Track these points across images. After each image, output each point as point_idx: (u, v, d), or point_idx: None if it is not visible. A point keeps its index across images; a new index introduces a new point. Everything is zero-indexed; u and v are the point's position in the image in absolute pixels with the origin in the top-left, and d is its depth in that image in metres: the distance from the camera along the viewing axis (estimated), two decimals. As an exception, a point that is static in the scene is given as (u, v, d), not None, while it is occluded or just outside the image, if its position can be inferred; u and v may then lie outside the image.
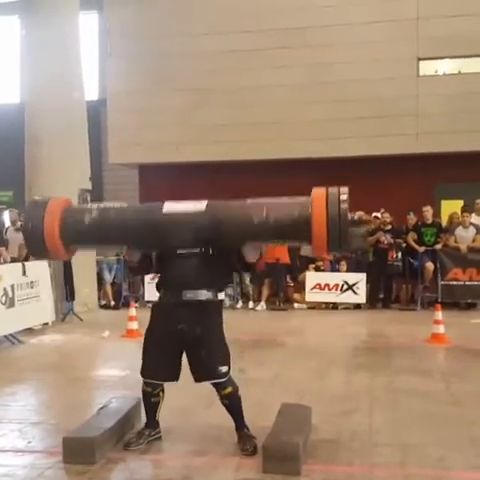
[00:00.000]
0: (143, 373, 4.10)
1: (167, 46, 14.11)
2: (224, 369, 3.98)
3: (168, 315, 4.00)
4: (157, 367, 4.04)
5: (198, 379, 4.04)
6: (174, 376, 4.07)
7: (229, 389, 4.02)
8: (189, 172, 13.98)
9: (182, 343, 3.99)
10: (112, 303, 11.00)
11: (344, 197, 3.87)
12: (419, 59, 13.76)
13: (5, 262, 8.97)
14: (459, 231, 10.82)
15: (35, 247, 4.21)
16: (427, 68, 14.02)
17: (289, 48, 13.78)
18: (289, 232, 3.99)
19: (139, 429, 4.21)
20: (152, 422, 4.20)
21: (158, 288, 4.17)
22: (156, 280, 4.27)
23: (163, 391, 4.15)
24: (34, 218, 4.11)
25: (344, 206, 3.84)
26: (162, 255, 4.07)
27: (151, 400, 4.15)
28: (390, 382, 5.80)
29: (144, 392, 4.14)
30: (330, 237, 3.81)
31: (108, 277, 11.17)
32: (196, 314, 3.95)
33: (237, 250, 3.98)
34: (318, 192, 3.92)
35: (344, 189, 3.92)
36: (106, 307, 10.97)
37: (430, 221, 10.99)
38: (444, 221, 11.86)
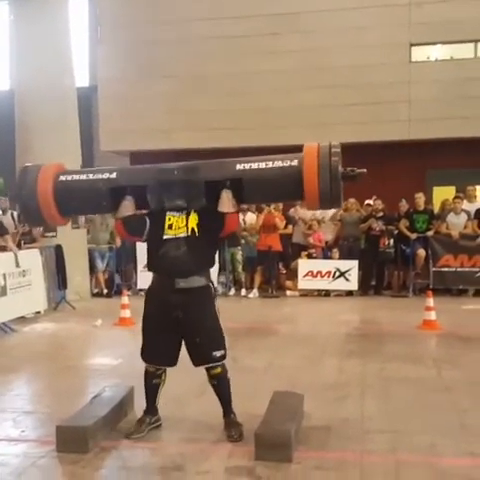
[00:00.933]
0: (143, 357, 4.16)
1: (157, 33, 14.02)
2: (219, 353, 4.05)
3: (162, 302, 4.04)
4: (157, 352, 4.10)
5: (195, 363, 4.10)
6: (172, 362, 4.12)
7: (218, 370, 4.08)
8: (180, 159, 13.89)
9: (178, 329, 4.04)
10: (104, 291, 10.98)
11: (335, 150, 3.90)
12: (411, 45, 13.74)
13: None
14: (451, 218, 10.85)
15: (30, 214, 4.22)
16: (419, 54, 14.00)
17: (280, 34, 13.72)
18: (279, 185, 4.01)
19: (139, 417, 4.22)
20: (152, 408, 4.22)
21: (149, 270, 4.20)
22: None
23: (165, 373, 4.18)
24: (27, 185, 4.11)
25: (335, 158, 3.87)
26: (150, 238, 4.10)
27: (153, 381, 4.17)
28: (382, 369, 5.83)
29: (147, 372, 4.17)
30: (321, 190, 3.84)
31: (100, 265, 11.14)
32: (189, 301, 3.99)
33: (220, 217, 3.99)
34: (310, 146, 3.98)
35: (336, 143, 3.96)
36: (98, 295, 10.95)
37: (422, 208, 11.01)
38: (436, 208, 11.88)
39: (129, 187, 4.08)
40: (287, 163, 3.95)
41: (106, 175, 4.13)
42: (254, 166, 3.98)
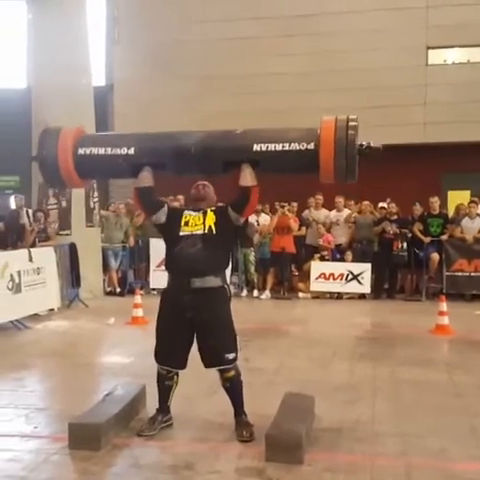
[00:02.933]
0: (157, 358, 4.17)
1: (173, 34, 14.08)
2: (231, 356, 4.05)
3: (177, 303, 4.05)
4: (169, 354, 4.12)
5: (207, 365, 4.11)
6: (182, 364, 4.14)
7: (232, 373, 4.09)
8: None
9: (192, 330, 4.06)
10: (117, 290, 11.04)
11: (353, 124, 3.91)
12: (428, 48, 13.68)
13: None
14: (465, 222, 10.78)
15: (50, 175, 4.28)
16: (436, 57, 13.94)
17: (295, 36, 13.73)
18: (295, 165, 4.04)
19: (151, 415, 4.25)
20: (164, 407, 4.24)
21: (166, 269, 4.23)
22: (162, 267, 4.33)
23: (178, 375, 4.20)
24: (48, 146, 4.19)
25: (352, 132, 3.88)
26: (167, 236, 4.14)
27: (165, 383, 4.20)
28: (393, 372, 5.82)
29: (159, 374, 4.20)
30: (337, 164, 3.85)
31: (114, 264, 11.20)
32: (204, 301, 4.01)
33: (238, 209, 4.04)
34: (327, 119, 3.99)
35: (353, 117, 3.97)
36: (111, 294, 11.01)
37: (437, 212, 10.95)
38: (451, 212, 11.82)
39: (148, 162, 4.14)
40: (304, 146, 3.94)
41: (124, 150, 4.14)
42: (271, 148, 3.98)
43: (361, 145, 3.94)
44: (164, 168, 4.17)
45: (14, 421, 4.47)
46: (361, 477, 3.54)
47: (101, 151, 4.19)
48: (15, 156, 15.28)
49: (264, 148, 3.99)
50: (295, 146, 3.96)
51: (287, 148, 3.97)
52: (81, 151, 4.19)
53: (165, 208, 4.20)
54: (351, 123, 3.91)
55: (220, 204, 4.27)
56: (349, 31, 13.52)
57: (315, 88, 13.51)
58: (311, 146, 3.93)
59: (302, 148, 3.95)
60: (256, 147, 4.00)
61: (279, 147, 3.97)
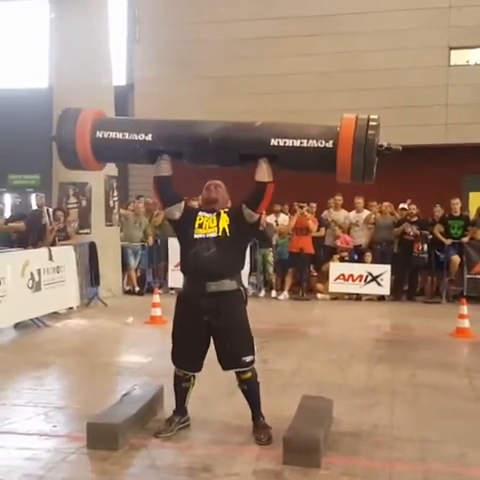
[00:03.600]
0: (174, 361, 4.18)
1: (194, 34, 14.09)
2: (248, 359, 4.04)
3: (193, 307, 4.04)
4: (186, 357, 4.12)
5: (224, 367, 4.11)
6: (199, 367, 4.15)
7: (249, 374, 4.08)
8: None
9: (208, 334, 4.06)
10: (136, 289, 11.08)
11: (373, 124, 3.85)
12: (450, 48, 13.54)
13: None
14: (487, 224, 10.67)
15: (67, 156, 4.27)
16: (458, 57, 13.80)
17: (316, 35, 13.68)
18: (313, 163, 4.00)
19: (169, 416, 4.25)
20: (181, 408, 4.25)
21: (181, 271, 4.22)
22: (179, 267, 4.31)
23: (194, 377, 4.21)
24: (67, 127, 4.20)
25: (372, 132, 3.82)
26: (182, 237, 4.14)
27: (182, 385, 4.20)
28: (412, 376, 5.77)
29: (176, 376, 4.20)
30: (354, 163, 3.79)
31: (133, 263, 11.24)
32: (220, 305, 4.00)
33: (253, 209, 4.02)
34: (348, 117, 3.94)
35: (375, 116, 3.91)
36: (130, 293, 11.05)
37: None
38: (472, 214, 11.68)
39: (165, 149, 4.14)
40: (322, 144, 3.89)
41: (142, 136, 4.13)
42: (289, 143, 3.93)
43: (380, 146, 3.88)
44: (181, 157, 4.15)
45: (33, 419, 4.50)
46: (379, 482, 3.51)
47: (119, 135, 4.17)
48: (36, 155, 15.42)
49: (282, 143, 3.95)
50: (313, 143, 3.91)
51: (305, 145, 3.92)
52: (99, 134, 4.18)
53: (182, 204, 4.18)
54: (371, 123, 3.86)
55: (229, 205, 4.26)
56: (370, 31, 13.44)
57: (335, 88, 13.44)
58: (329, 144, 3.88)
59: (320, 145, 3.90)
60: (274, 141, 3.97)
61: (297, 143, 3.93)
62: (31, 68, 18.73)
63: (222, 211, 4.12)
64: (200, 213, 4.15)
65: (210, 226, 4.06)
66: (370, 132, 3.82)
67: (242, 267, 4.23)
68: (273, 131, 4.04)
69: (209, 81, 13.86)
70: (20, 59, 18.70)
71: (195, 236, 4.05)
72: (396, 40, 13.30)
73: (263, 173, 3.99)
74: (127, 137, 4.15)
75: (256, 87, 13.79)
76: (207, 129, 4.11)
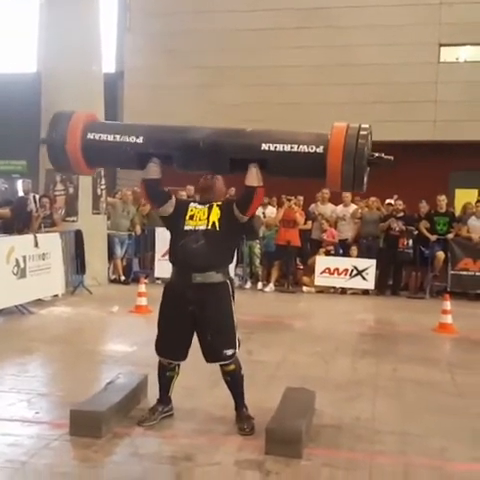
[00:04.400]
0: (157, 350, 4.18)
1: (185, 23, 14.03)
2: (229, 352, 4.04)
3: (179, 297, 4.05)
4: (170, 346, 4.13)
5: (207, 360, 4.12)
6: (183, 356, 4.15)
7: (232, 366, 4.09)
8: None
9: (193, 324, 4.07)
10: (122, 278, 11.05)
11: (364, 133, 3.86)
12: (441, 45, 13.60)
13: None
14: (472, 221, 10.76)
15: (58, 159, 4.26)
16: (448, 54, 13.86)
17: (308, 28, 13.68)
18: (303, 168, 4.01)
19: (152, 405, 4.26)
20: (165, 397, 4.25)
21: (170, 261, 4.22)
22: (167, 256, 4.31)
23: (179, 366, 4.22)
24: (58, 128, 4.18)
25: (362, 141, 3.82)
26: (172, 228, 4.14)
27: (166, 374, 4.21)
28: (395, 370, 5.82)
29: (160, 365, 4.21)
30: (344, 171, 3.80)
31: (119, 252, 11.20)
32: (205, 297, 4.01)
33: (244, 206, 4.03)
34: (338, 125, 3.94)
35: (366, 126, 3.91)
36: (116, 282, 11.02)
37: (444, 210, 10.93)
38: (458, 210, 11.78)
39: (155, 153, 4.13)
40: (312, 149, 3.90)
41: (133, 139, 4.13)
42: (279, 148, 3.95)
43: (371, 155, 3.89)
44: (171, 161, 4.14)
45: (16, 406, 4.49)
46: (360, 474, 3.54)
47: (110, 137, 4.17)
48: (23, 141, 15.29)
49: (272, 148, 3.96)
50: (304, 148, 3.92)
51: (295, 149, 3.93)
52: (90, 136, 4.18)
53: (173, 200, 4.18)
54: (362, 132, 3.86)
55: (229, 196, 4.26)
56: (363, 25, 13.46)
57: (327, 82, 13.47)
58: (320, 150, 3.89)
59: (311, 151, 3.90)
60: (264, 146, 3.98)
61: (287, 148, 3.94)
62: (19, 53, 18.56)
63: (215, 204, 4.11)
64: (191, 204, 4.16)
65: (201, 218, 4.06)
66: (360, 141, 3.82)
67: (231, 261, 4.24)
68: (264, 136, 4.06)
69: (200, 71, 13.82)
70: (8, 44, 18.51)
71: (185, 228, 4.05)
72: (389, 35, 13.35)
73: (253, 177, 3.99)
74: (118, 139, 4.16)
75: (248, 79, 13.77)
76: (198, 134, 4.12)
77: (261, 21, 13.70)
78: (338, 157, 3.80)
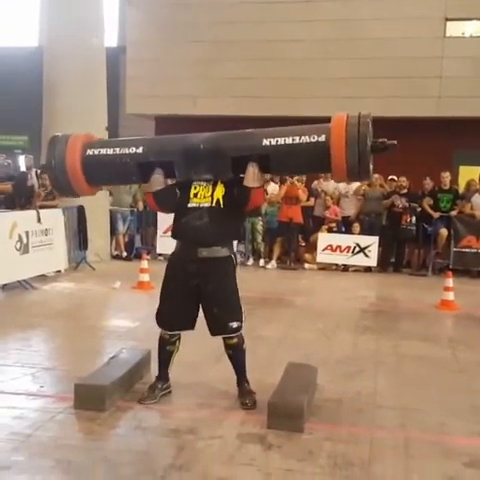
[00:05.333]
0: (158, 321, 4.20)
1: (188, -4, 13.85)
2: (235, 325, 4.07)
3: (183, 270, 4.07)
4: (173, 317, 4.14)
5: (212, 333, 4.14)
6: (190, 325, 4.16)
7: (235, 340, 4.12)
8: (205, 125, 13.86)
9: (197, 297, 4.09)
10: (124, 254, 11.08)
11: (365, 120, 3.85)
12: (447, 19, 13.41)
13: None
14: (476, 198, 10.71)
15: (60, 185, 4.28)
16: (454, 29, 13.68)
17: (313, 2, 13.49)
18: (307, 160, 3.98)
19: (151, 383, 4.28)
20: (164, 373, 4.28)
21: (173, 237, 4.23)
22: (170, 233, 4.32)
23: (179, 340, 4.23)
24: (57, 154, 4.18)
25: (364, 129, 3.81)
26: (176, 207, 4.13)
27: (166, 348, 4.22)
28: (396, 346, 5.86)
29: (161, 338, 4.22)
30: (349, 162, 3.78)
31: (121, 228, 11.21)
32: (210, 270, 4.02)
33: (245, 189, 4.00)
34: (338, 117, 3.92)
35: (366, 113, 3.90)
36: (118, 258, 11.05)
37: (447, 187, 10.88)
38: (462, 187, 11.73)
39: (156, 161, 4.11)
40: (314, 138, 3.89)
41: (133, 149, 4.14)
42: (281, 141, 3.93)
43: (374, 141, 3.87)
44: (172, 169, 4.12)
45: (20, 380, 4.54)
46: (360, 448, 3.58)
47: (109, 151, 4.18)
48: (25, 115, 15.25)
49: (274, 142, 3.94)
50: (305, 139, 3.89)
51: (297, 141, 3.90)
52: (89, 152, 4.18)
53: (178, 194, 4.15)
54: (363, 119, 3.84)
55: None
56: (367, -1, 13.29)
57: (331, 56, 13.31)
58: (322, 138, 3.86)
59: (312, 140, 3.88)
60: (265, 141, 3.97)
61: (289, 140, 3.92)
62: (21, 27, 18.39)
63: (219, 181, 4.10)
64: (194, 182, 4.12)
65: (205, 196, 4.05)
66: (362, 128, 3.80)
67: (236, 236, 4.27)
68: (264, 133, 4.04)
69: (203, 45, 13.67)
70: (10, 17, 18.34)
71: (189, 205, 4.05)
72: (393, 9, 13.16)
73: (250, 178, 3.97)
74: (118, 151, 4.16)
75: (252, 53, 13.62)
76: (198, 138, 4.12)
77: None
78: (341, 145, 3.77)
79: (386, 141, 3.91)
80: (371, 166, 3.93)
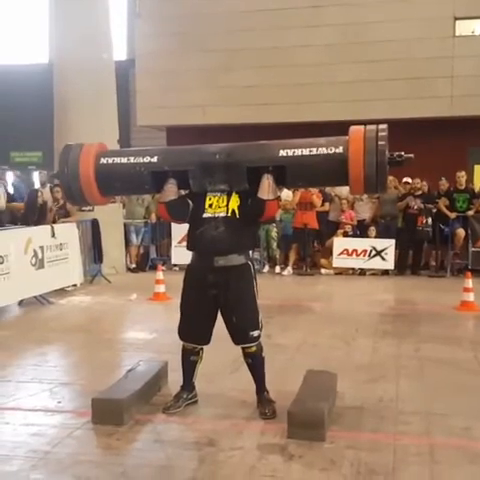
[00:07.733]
0: (180, 335, 4.18)
1: (195, 7, 13.88)
2: (256, 333, 4.05)
3: (201, 281, 4.05)
4: (193, 330, 4.12)
5: (234, 342, 4.11)
6: (206, 340, 4.15)
7: (254, 348, 4.08)
8: (216, 135, 13.88)
9: (216, 307, 4.07)
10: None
11: (383, 134, 3.80)
12: (456, 18, 13.31)
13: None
14: (492, 197, 10.59)
15: (72, 194, 4.25)
16: (464, 28, 13.57)
17: (321, 7, 13.46)
18: (324, 172, 3.94)
19: (176, 392, 4.25)
20: (189, 384, 4.25)
21: (188, 249, 4.19)
22: (184, 243, 4.29)
23: (203, 350, 4.21)
24: (69, 166, 4.15)
25: (382, 143, 3.77)
26: (190, 217, 4.10)
27: (190, 358, 4.20)
28: (417, 350, 5.77)
29: (184, 350, 4.20)
30: (367, 175, 3.75)
31: (135, 240, 11.22)
32: (228, 279, 3.99)
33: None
34: (356, 129, 3.88)
35: (383, 126, 3.85)
36: (133, 270, 11.05)
37: (463, 187, 10.76)
38: (477, 186, 11.60)
39: (171, 171, 4.08)
40: (332, 150, 3.84)
41: (147, 158, 4.11)
42: (297, 152, 3.89)
43: (391, 154, 3.83)
44: (186, 179, 4.07)
45: (38, 396, 4.52)
46: (384, 456, 3.51)
47: (123, 160, 4.16)
48: (38, 131, 15.36)
49: (291, 153, 3.90)
50: (323, 150, 3.86)
51: (315, 152, 3.87)
52: (103, 160, 4.15)
53: (191, 205, 4.10)
54: (381, 133, 3.80)
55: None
56: (376, 1, 13.21)
57: (341, 60, 13.25)
58: (339, 150, 3.82)
59: (330, 152, 3.84)
60: (282, 152, 3.93)
61: (306, 152, 3.88)
62: (32, 44, 18.57)
63: (234, 192, 4.06)
64: (209, 193, 4.08)
65: (220, 206, 4.02)
66: (380, 142, 3.76)
67: (252, 245, 4.24)
68: (281, 144, 4.01)
69: (213, 54, 13.68)
70: (20, 34, 18.53)
71: (204, 215, 4.02)
72: (401, 11, 13.08)
73: (264, 190, 3.92)
74: (132, 160, 4.13)
75: (261, 60, 13.60)
76: (214, 148, 4.09)
77: (272, 2, 13.52)
78: (359, 158, 3.73)
79: (403, 154, 3.86)
80: (387, 179, 3.90)
